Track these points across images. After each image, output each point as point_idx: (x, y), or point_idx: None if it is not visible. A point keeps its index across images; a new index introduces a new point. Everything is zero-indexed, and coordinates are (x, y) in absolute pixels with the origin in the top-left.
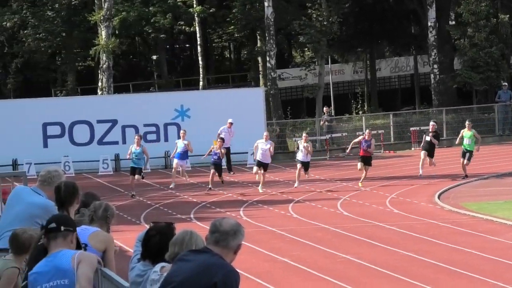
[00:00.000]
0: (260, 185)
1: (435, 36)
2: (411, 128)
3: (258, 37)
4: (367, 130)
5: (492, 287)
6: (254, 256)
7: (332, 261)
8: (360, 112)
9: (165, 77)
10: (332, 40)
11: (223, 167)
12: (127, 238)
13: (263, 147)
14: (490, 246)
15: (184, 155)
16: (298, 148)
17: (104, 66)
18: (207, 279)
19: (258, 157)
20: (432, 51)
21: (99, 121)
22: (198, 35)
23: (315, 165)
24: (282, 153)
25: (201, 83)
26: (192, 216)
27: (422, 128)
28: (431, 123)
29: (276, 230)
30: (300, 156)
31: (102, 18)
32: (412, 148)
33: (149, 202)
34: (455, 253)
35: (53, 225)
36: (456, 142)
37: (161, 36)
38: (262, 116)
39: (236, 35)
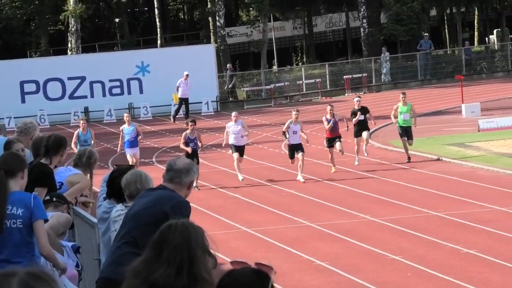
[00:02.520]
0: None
1: None
2: (344, 76)
3: None
4: (328, 107)
5: (416, 213)
6: (209, 193)
7: (278, 195)
8: (300, 64)
9: (127, 37)
10: (274, 0)
11: (180, 115)
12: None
13: (234, 129)
14: (415, 178)
15: (134, 142)
16: (286, 132)
17: (73, 29)
18: (158, 209)
19: (231, 141)
20: (361, 7)
21: (69, 78)
22: None
23: (262, 111)
24: (232, 102)
25: (159, 42)
26: (154, 159)
27: (354, 76)
28: (356, 99)
29: (228, 170)
30: (291, 139)
31: None
32: (346, 94)
33: (115, 148)
34: (384, 185)
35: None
36: (392, 116)
37: (122, 1)
38: (214, 69)
39: None
